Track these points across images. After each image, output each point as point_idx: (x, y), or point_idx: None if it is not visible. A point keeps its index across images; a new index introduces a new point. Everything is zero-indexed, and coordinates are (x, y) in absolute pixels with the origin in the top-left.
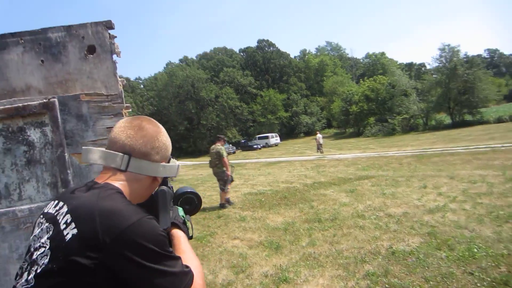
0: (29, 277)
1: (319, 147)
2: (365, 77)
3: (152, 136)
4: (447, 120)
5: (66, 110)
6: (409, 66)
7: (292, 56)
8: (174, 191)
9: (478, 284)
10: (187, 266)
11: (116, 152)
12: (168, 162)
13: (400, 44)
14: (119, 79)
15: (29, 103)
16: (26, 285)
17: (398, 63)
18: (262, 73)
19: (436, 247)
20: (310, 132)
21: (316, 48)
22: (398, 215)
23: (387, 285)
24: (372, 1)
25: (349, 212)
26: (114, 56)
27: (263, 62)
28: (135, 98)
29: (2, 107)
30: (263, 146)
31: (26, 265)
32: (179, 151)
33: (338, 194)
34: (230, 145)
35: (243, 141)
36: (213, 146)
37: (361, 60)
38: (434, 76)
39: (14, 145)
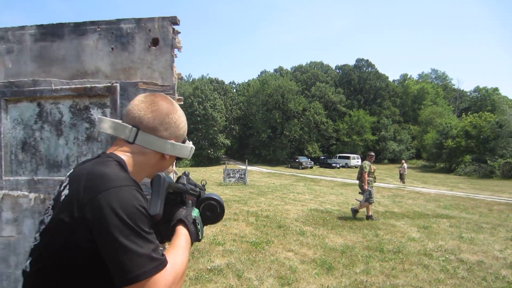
0: (37, 235)
1: (401, 177)
2: (469, 112)
3: (162, 112)
4: None
5: (125, 95)
6: None
7: (390, 79)
8: (202, 196)
9: None
10: (162, 255)
11: (126, 124)
12: (183, 143)
13: None
14: (176, 73)
15: (96, 85)
16: (34, 242)
17: None
18: (355, 93)
19: None
20: (395, 160)
21: (419, 74)
22: (471, 263)
23: None
24: (487, 31)
25: (416, 248)
26: (176, 50)
27: (358, 82)
28: (225, 100)
29: (74, 86)
30: (342, 166)
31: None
32: (257, 158)
33: (409, 228)
34: (309, 159)
35: (322, 157)
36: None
37: (469, 93)
38: None
39: (79, 121)
